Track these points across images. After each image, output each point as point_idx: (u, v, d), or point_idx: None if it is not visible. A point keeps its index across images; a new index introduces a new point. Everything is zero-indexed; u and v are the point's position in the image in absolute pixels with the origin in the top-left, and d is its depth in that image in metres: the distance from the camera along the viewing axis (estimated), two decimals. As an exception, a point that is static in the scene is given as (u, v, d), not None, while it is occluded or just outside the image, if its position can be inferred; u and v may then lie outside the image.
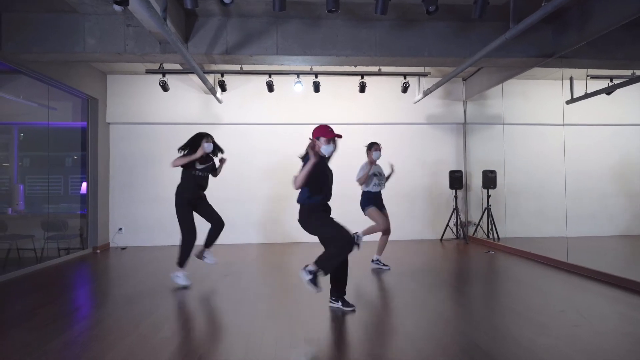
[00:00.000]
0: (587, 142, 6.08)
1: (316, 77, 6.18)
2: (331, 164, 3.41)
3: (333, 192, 3.35)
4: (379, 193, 4.89)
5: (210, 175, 4.45)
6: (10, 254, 5.40)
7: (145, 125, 7.23)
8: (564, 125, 5.30)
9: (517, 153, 6.62)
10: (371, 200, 4.82)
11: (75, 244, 6.53)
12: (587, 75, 5.46)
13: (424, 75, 6.43)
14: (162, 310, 3.42)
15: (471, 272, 4.93)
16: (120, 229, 7.14)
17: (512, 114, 6.61)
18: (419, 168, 7.53)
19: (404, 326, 2.99)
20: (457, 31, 5.03)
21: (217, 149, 4.41)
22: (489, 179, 6.85)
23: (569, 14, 4.77)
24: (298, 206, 3.25)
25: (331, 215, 3.29)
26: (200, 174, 4.31)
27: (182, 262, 4.19)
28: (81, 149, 6.77)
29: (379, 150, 4.84)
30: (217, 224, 4.34)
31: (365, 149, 4.95)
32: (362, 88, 6.34)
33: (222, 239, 4.43)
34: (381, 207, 4.90)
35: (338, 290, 3.30)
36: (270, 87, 6.23)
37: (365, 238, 4.67)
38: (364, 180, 4.77)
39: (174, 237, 7.19)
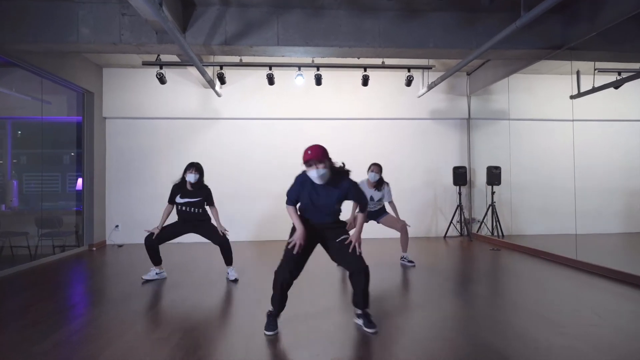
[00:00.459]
0: (594, 138, 5.94)
1: (318, 69, 6.02)
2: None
3: None
4: (373, 212, 4.92)
5: (202, 209, 4.29)
6: (4, 252, 5.28)
7: (142, 120, 7.08)
8: (573, 120, 5.16)
9: (523, 149, 6.48)
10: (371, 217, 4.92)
11: (71, 241, 6.38)
12: (595, 69, 5.33)
13: (429, 68, 6.28)
14: (158, 310, 3.28)
15: (478, 269, 4.79)
16: (116, 226, 6.99)
17: (518, 109, 6.47)
18: (421, 164, 7.39)
19: (411, 326, 2.86)
20: (463, 22, 4.88)
21: (200, 181, 4.23)
22: (494, 175, 6.73)
23: (580, 3, 4.63)
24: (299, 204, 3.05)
25: (342, 237, 2.83)
26: (183, 208, 4.23)
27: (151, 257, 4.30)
28: (76, 144, 6.61)
29: (374, 171, 4.79)
30: (220, 246, 4.27)
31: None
32: (365, 81, 6.19)
33: (206, 242, 4.29)
34: (378, 217, 4.98)
35: (354, 303, 2.88)
36: (270, 79, 6.07)
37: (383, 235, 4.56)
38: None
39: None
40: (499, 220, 6.74)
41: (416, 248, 6.06)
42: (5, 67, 5.17)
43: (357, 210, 3.10)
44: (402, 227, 4.87)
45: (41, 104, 5.67)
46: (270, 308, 2.83)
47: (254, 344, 2.55)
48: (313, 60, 6.04)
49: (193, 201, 4.22)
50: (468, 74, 7.46)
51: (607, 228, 5.91)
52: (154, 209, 6.94)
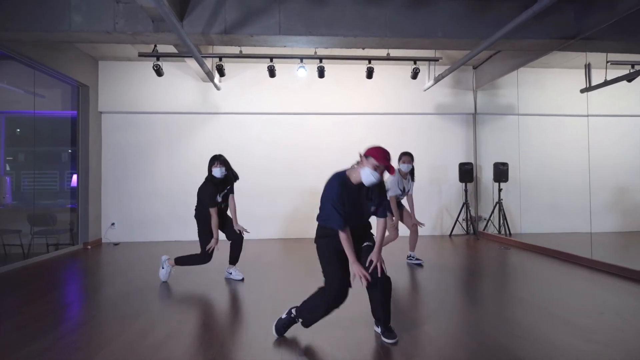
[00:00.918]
0: (607, 134, 5.74)
1: (320, 61, 5.81)
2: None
3: None
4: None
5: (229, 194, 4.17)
6: (-4, 250, 5.09)
7: (139, 115, 6.87)
8: (588, 116, 4.96)
9: (533, 145, 6.28)
10: None
11: (65, 239, 6.18)
12: (607, 61, 5.13)
13: (435, 60, 6.07)
14: (155, 310, 3.09)
15: (489, 269, 4.60)
16: (112, 223, 6.79)
17: (527, 103, 6.27)
18: (426, 160, 7.19)
19: (424, 327, 2.66)
20: (472, 11, 4.68)
21: (230, 172, 4.10)
22: (501, 172, 6.54)
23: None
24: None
25: (365, 244, 2.54)
26: (222, 205, 4.09)
27: (181, 262, 4.01)
28: (71, 140, 6.40)
29: (405, 162, 4.52)
30: (233, 243, 4.16)
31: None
32: (370, 74, 5.97)
33: (221, 236, 4.08)
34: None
35: (373, 313, 2.57)
36: (271, 72, 5.85)
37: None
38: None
39: (170, 232, 6.89)
40: (506, 218, 6.55)
41: (422, 246, 5.86)
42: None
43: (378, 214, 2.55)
44: (414, 226, 4.71)
45: (34, 98, 5.46)
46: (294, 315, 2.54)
47: (257, 344, 2.36)
48: (316, 52, 5.83)
49: (226, 193, 4.07)
50: (474, 68, 7.26)
51: (622, 226, 5.73)
52: (151, 206, 6.77)
